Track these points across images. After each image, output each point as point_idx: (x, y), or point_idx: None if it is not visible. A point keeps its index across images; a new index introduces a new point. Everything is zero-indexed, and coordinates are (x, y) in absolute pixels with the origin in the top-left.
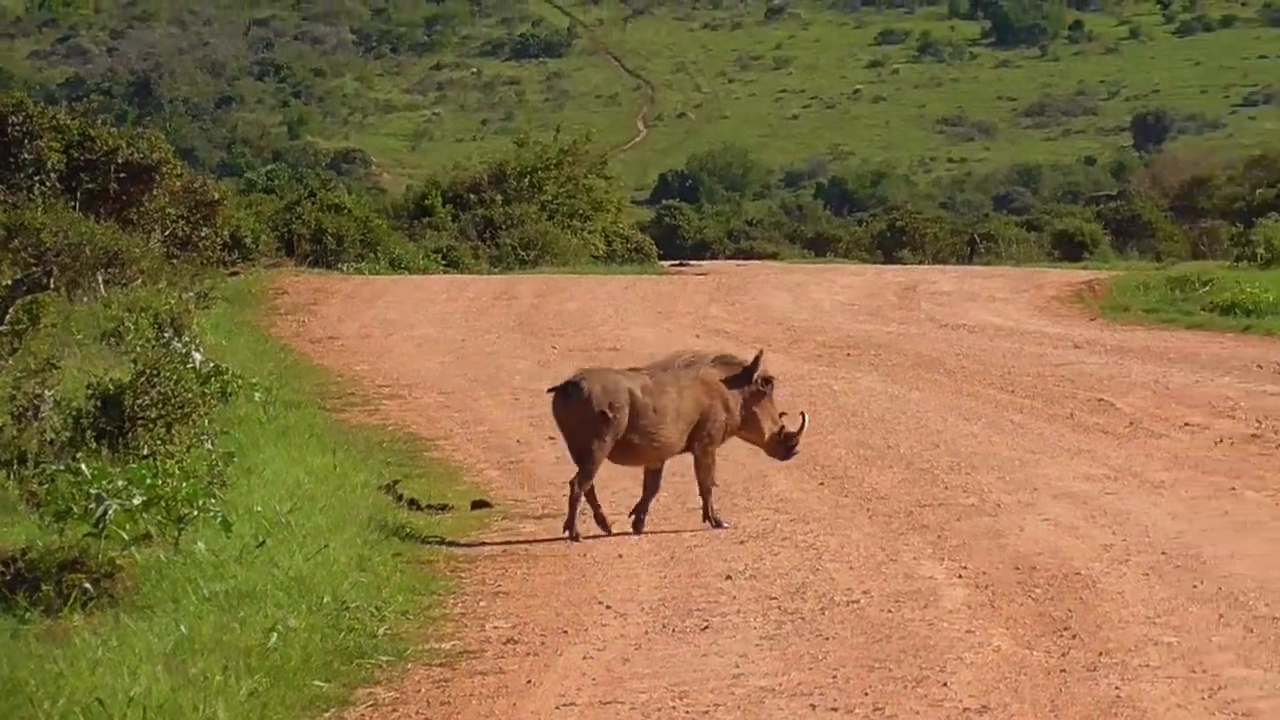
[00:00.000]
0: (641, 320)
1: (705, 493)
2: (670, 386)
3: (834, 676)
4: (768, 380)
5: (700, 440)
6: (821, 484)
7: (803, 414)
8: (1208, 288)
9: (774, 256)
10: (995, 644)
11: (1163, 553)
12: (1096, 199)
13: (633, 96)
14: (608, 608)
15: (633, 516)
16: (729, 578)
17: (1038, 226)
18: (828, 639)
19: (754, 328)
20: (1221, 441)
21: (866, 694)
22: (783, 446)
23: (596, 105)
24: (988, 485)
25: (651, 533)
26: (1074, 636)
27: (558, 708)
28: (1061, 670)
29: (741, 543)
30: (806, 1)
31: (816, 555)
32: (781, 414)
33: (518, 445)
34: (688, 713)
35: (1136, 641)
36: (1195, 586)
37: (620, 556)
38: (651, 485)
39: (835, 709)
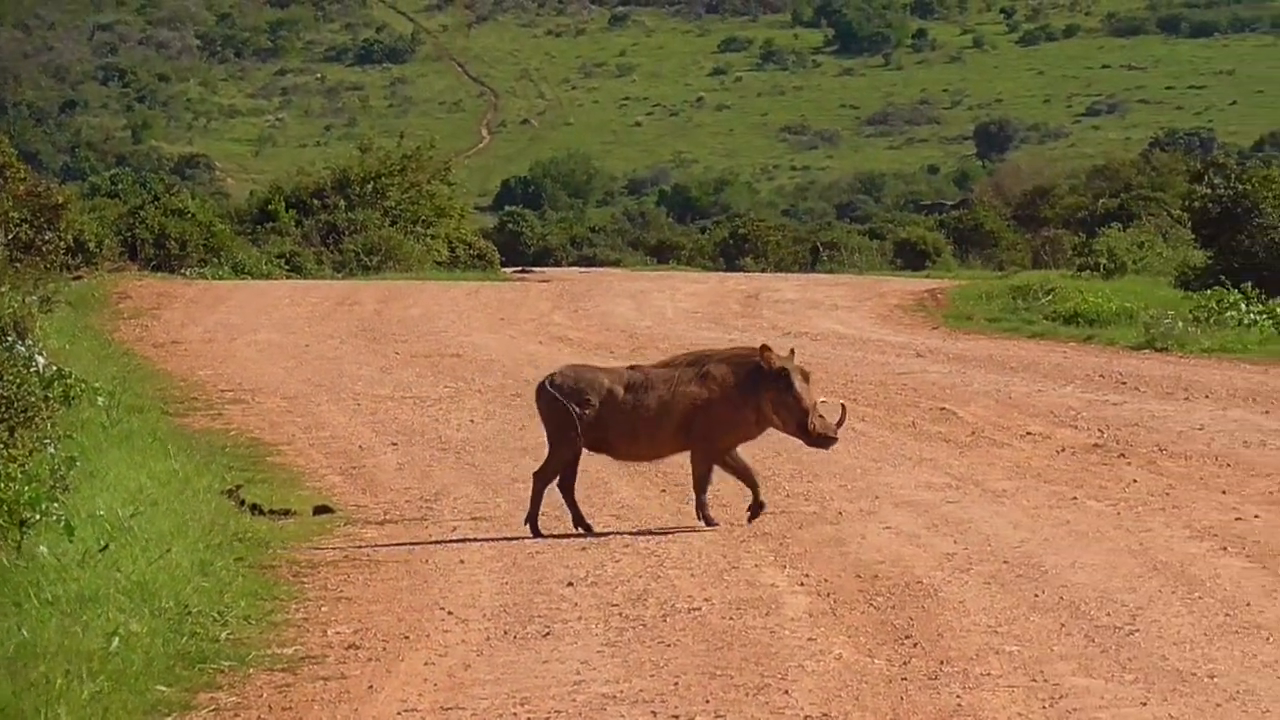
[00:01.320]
0: (484, 327)
1: (697, 489)
2: (660, 384)
3: (675, 684)
4: (781, 373)
5: (696, 437)
6: (663, 491)
7: (843, 404)
8: (1050, 297)
9: (617, 264)
10: (837, 652)
11: (1004, 562)
12: (929, 207)
13: (476, 103)
14: (450, 614)
15: (748, 513)
16: (571, 584)
17: (880, 235)
18: (669, 646)
19: (597, 335)
20: (1063, 451)
21: (708, 701)
22: (806, 433)
23: (440, 111)
24: (830, 493)
25: (492, 539)
26: (915, 645)
27: (399, 713)
28: (903, 679)
29: (583, 549)
30: (650, 9)
31: (658, 562)
32: (822, 401)
33: (360, 451)
34: (529, 719)
35: (978, 650)
36: (1036, 596)
37: (462, 562)
38: (743, 473)
39: (677, 716)
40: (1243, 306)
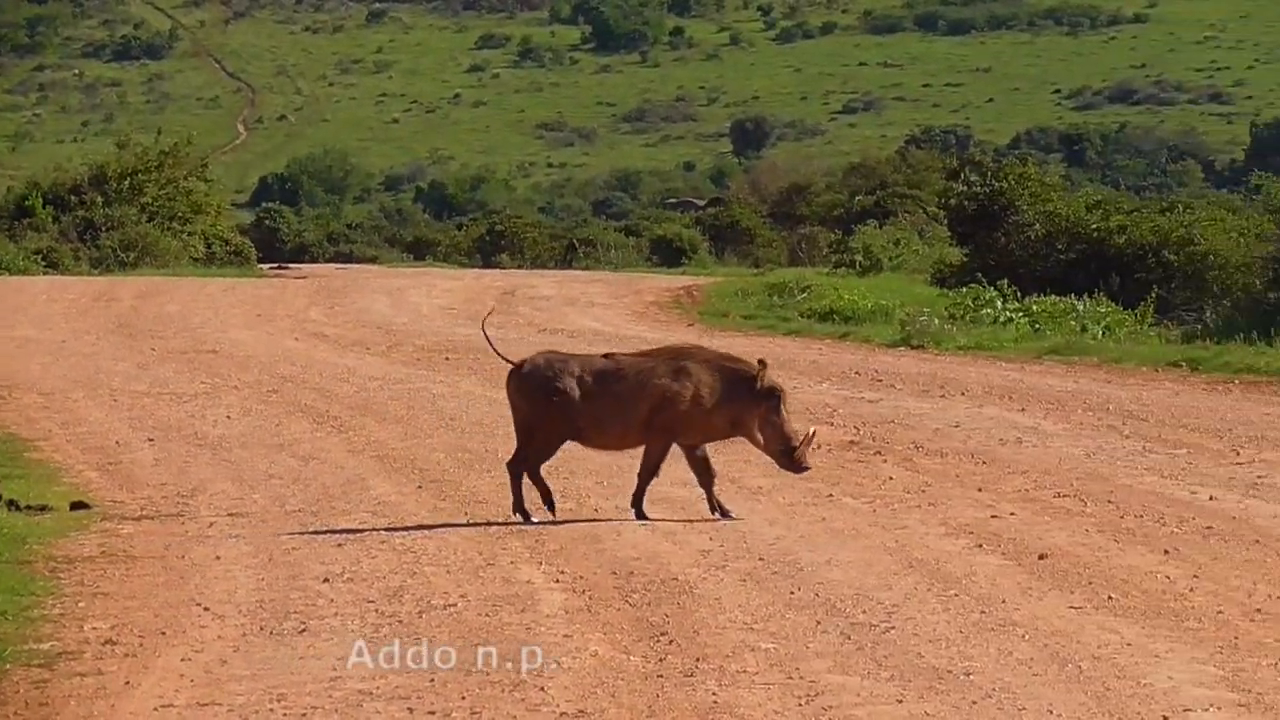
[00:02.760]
0: (241, 323)
1: (642, 476)
2: (632, 374)
3: (431, 680)
4: (771, 392)
5: (658, 428)
6: (420, 487)
7: (812, 429)
8: (806, 294)
9: (374, 260)
10: (593, 649)
11: (760, 559)
12: (678, 205)
13: (234, 99)
14: (206, 610)
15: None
16: (327, 580)
17: (636, 232)
18: (426, 643)
19: (354, 331)
20: (819, 448)
21: (464, 698)
22: (789, 459)
23: (198, 108)
24: (586, 490)
25: (250, 535)
26: (671, 642)
27: (156, 709)
28: (659, 675)
29: (339, 545)
30: (408, 5)
31: (415, 559)
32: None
33: (117, 447)
34: (285, 714)
35: (734, 647)
36: (792, 593)
37: (219, 558)
38: (701, 475)
39: (433, 712)
40: (999, 304)
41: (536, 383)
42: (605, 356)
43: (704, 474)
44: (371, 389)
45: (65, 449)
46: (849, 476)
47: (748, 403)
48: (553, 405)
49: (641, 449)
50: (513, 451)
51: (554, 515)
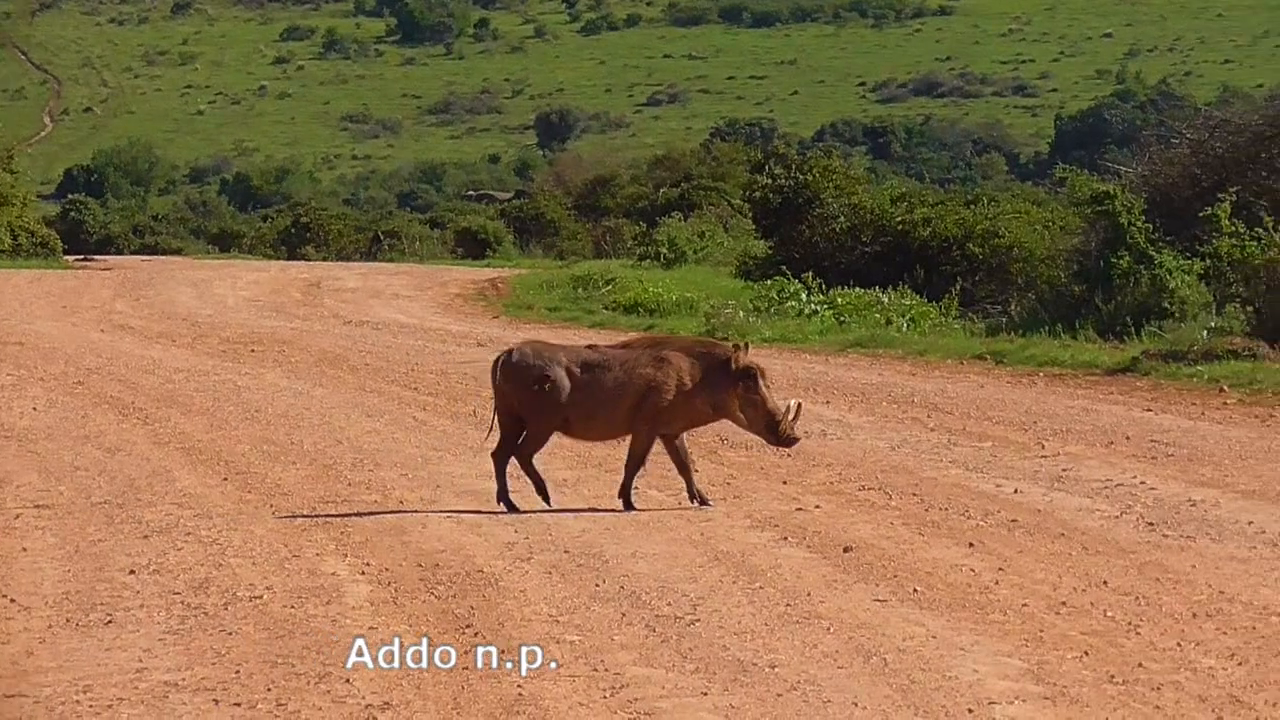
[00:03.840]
0: (47, 315)
1: (628, 468)
2: (616, 365)
3: (237, 672)
4: (748, 371)
5: (640, 416)
6: (225, 480)
7: (798, 403)
8: (611, 286)
9: (179, 252)
10: (399, 641)
11: (565, 551)
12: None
13: (39, 90)
14: (11, 601)
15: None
16: (133, 572)
17: (441, 224)
18: (231, 634)
19: (159, 323)
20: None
21: (269, 690)
22: (775, 435)
23: (3, 99)
24: (391, 482)
25: (56, 527)
26: (477, 634)
27: None
28: (464, 668)
29: (145, 537)
30: None
31: (220, 551)
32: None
33: None
34: (92, 706)
35: (539, 639)
36: (597, 585)
37: (25, 550)
38: (680, 464)
39: (239, 704)
40: (803, 296)
41: (525, 371)
42: (589, 347)
43: (683, 463)
44: (177, 381)
45: None
46: (654, 469)
47: (727, 384)
48: (543, 395)
49: (610, 442)
50: (497, 441)
51: (549, 505)
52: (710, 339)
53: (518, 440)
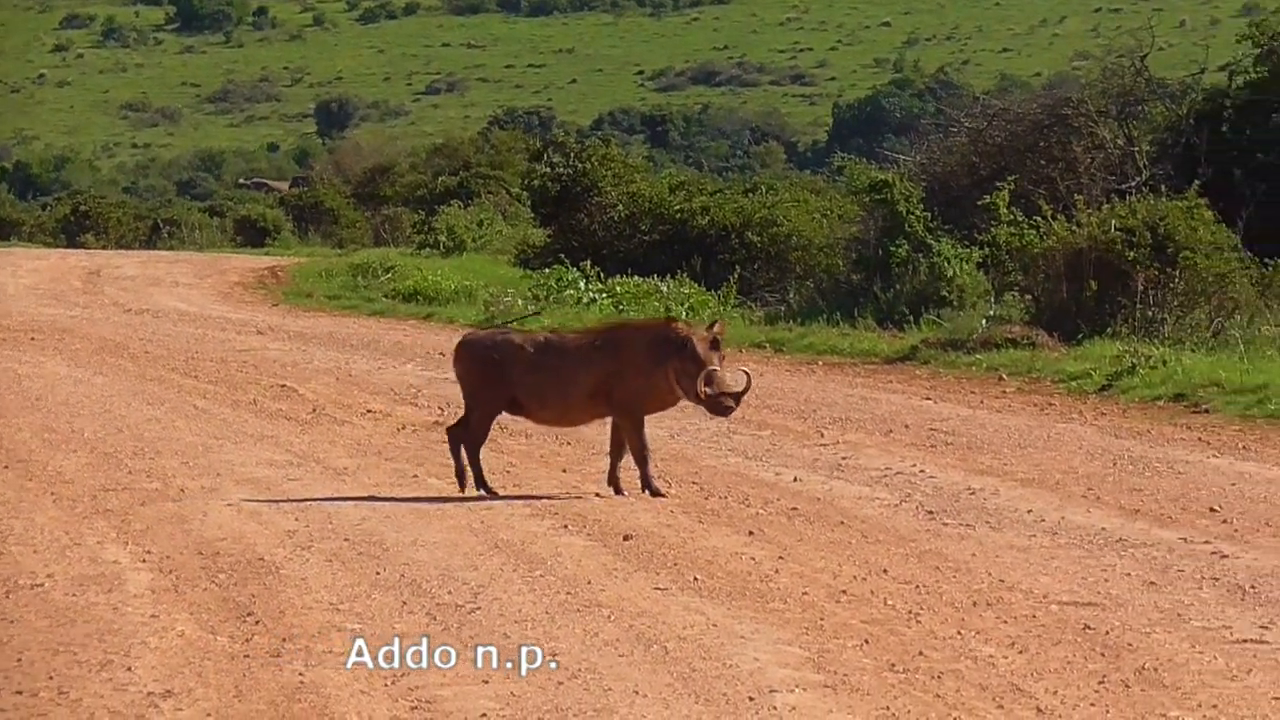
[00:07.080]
0: None
1: (638, 460)
2: (572, 350)
3: (19, 660)
4: (681, 343)
5: (618, 408)
6: (6, 468)
7: (746, 372)
8: (390, 275)
9: None
10: (179, 629)
11: (346, 539)
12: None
13: None
14: None
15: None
16: None
17: (220, 212)
18: (12, 623)
19: None
20: (404, 429)
21: (51, 678)
22: (706, 400)
23: None
24: (172, 470)
25: None
26: (257, 622)
27: None
28: (245, 655)
29: None
30: None
31: (1, 539)
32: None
33: None
34: None
35: (320, 628)
36: (378, 573)
37: None
38: (616, 447)
39: (20, 692)
40: (582, 285)
41: (473, 353)
42: (550, 333)
43: (618, 448)
44: None
45: None
46: (434, 457)
47: (669, 359)
48: (487, 376)
49: (574, 428)
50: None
51: (463, 491)
52: (652, 319)
53: (487, 430)
